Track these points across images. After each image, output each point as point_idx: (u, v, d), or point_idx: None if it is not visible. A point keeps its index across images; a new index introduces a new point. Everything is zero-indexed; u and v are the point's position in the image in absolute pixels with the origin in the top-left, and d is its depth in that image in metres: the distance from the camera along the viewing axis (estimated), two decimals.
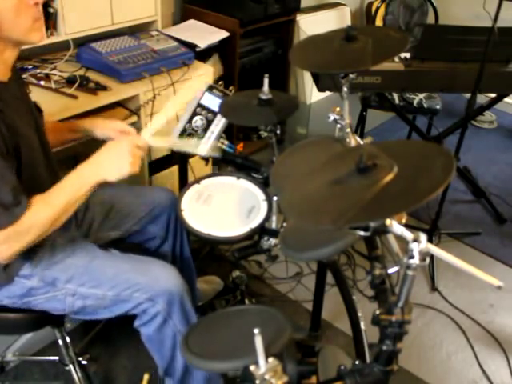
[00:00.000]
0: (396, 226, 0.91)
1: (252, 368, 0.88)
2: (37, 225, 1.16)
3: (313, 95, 3.53)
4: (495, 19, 1.92)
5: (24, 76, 1.95)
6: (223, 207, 1.49)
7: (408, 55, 2.25)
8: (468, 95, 2.11)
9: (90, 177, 1.23)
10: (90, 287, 1.34)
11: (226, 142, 1.78)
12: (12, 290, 1.32)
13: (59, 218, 1.20)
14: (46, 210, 1.17)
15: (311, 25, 3.32)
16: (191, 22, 2.66)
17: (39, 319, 1.40)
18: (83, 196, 1.23)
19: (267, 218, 1.44)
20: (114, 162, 1.25)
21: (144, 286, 1.34)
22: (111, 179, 1.24)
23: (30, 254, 1.31)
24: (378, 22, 3.09)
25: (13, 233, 1.13)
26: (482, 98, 2.51)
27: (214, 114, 1.74)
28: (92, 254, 1.38)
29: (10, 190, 1.11)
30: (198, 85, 1.59)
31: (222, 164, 2.09)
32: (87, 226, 1.59)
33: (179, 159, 1.87)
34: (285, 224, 1.37)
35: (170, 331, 1.40)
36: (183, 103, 1.45)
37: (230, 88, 1.86)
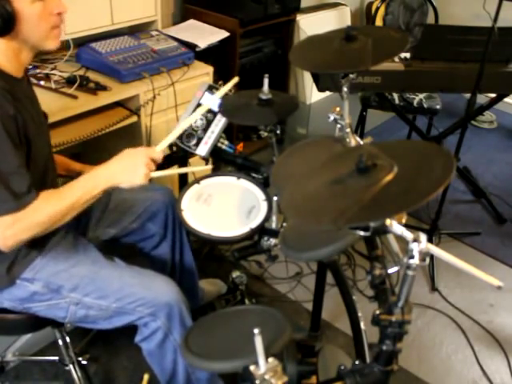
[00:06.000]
0: (396, 226, 0.91)
1: (252, 368, 0.88)
2: (44, 215, 1.17)
3: (313, 95, 3.53)
4: (495, 19, 1.92)
5: None
6: (223, 207, 1.49)
7: (408, 55, 2.25)
8: (468, 95, 2.11)
9: (103, 180, 1.26)
10: (95, 298, 1.34)
11: (226, 142, 1.78)
12: (14, 293, 1.32)
13: (67, 213, 1.22)
14: (56, 202, 1.19)
15: (311, 25, 3.32)
16: (191, 22, 2.66)
17: (39, 320, 1.39)
18: (93, 197, 1.25)
19: (267, 218, 1.44)
20: (129, 170, 1.28)
21: (148, 301, 1.35)
22: (123, 186, 1.28)
23: (33, 257, 1.32)
24: (378, 22, 3.09)
25: (19, 219, 1.14)
26: (482, 98, 2.51)
27: (214, 114, 1.74)
28: (98, 264, 1.39)
29: (24, 181, 1.15)
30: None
31: (221, 164, 2.09)
32: (85, 223, 1.59)
33: (179, 159, 1.87)
34: (285, 224, 1.37)
35: (170, 346, 1.41)
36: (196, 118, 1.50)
37: (230, 88, 1.87)
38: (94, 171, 1.27)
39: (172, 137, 1.43)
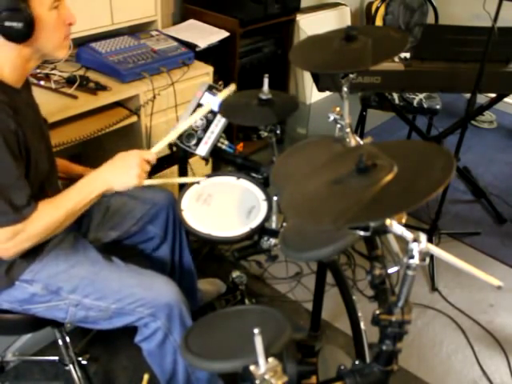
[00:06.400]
0: (396, 226, 0.91)
1: (252, 368, 0.88)
2: (42, 226, 1.21)
3: (313, 95, 3.53)
4: (495, 19, 1.92)
5: None
6: (223, 207, 1.49)
7: (408, 55, 2.25)
8: (468, 95, 2.11)
9: (98, 185, 1.28)
10: (94, 299, 1.34)
11: (226, 142, 1.78)
12: (13, 295, 1.33)
13: (64, 221, 1.25)
14: (53, 212, 1.23)
15: (311, 25, 3.31)
16: (191, 21, 2.66)
17: (39, 320, 1.39)
18: (89, 202, 1.29)
19: (267, 218, 1.44)
20: (122, 172, 1.30)
21: (148, 302, 1.35)
22: (118, 189, 1.31)
23: (32, 258, 1.32)
24: (378, 22, 3.09)
25: (19, 231, 1.17)
26: (482, 98, 2.51)
27: (214, 113, 1.74)
28: (97, 265, 1.39)
29: (24, 193, 1.17)
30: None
31: (222, 164, 2.09)
32: (86, 226, 1.59)
33: (179, 159, 1.87)
34: (285, 224, 1.37)
35: (170, 347, 1.41)
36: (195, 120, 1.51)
37: None
38: (88, 176, 1.30)
39: (168, 139, 1.44)
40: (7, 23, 1.09)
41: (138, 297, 1.35)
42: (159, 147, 1.42)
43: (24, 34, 1.13)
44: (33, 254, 1.32)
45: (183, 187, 1.57)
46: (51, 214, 1.22)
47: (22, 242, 1.20)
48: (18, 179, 1.17)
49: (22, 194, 1.17)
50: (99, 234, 1.60)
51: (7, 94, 1.17)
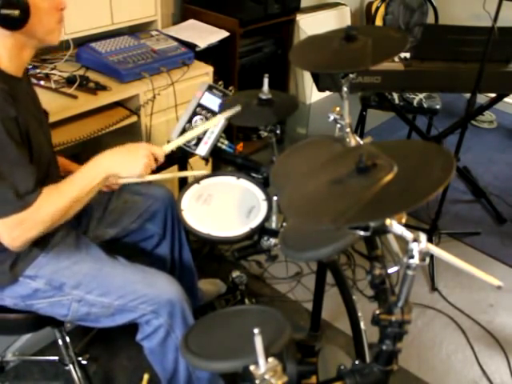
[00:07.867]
0: (396, 226, 0.91)
1: (252, 368, 0.88)
2: (48, 212, 1.19)
3: (313, 95, 3.53)
4: (495, 19, 1.92)
5: None
6: (223, 207, 1.49)
7: (408, 55, 2.25)
8: (468, 95, 2.11)
9: (102, 168, 1.26)
10: (97, 295, 1.34)
11: (226, 142, 1.78)
12: (16, 291, 1.33)
13: (70, 208, 1.23)
14: (58, 198, 1.20)
15: (311, 25, 3.32)
16: (191, 21, 2.66)
17: (39, 320, 1.40)
18: (95, 188, 1.26)
19: (267, 218, 1.44)
20: (128, 158, 1.29)
21: (150, 299, 1.35)
22: (122, 174, 1.28)
23: (35, 254, 1.32)
24: (378, 22, 3.09)
25: (25, 219, 1.16)
26: (482, 98, 2.51)
27: (214, 114, 1.74)
28: (100, 261, 1.39)
29: (29, 179, 1.16)
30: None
31: (221, 164, 2.09)
32: (86, 224, 1.59)
33: (179, 159, 1.87)
34: (285, 224, 1.37)
35: (172, 345, 1.41)
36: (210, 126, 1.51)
37: (230, 88, 1.87)
38: (93, 161, 1.27)
39: (182, 140, 1.44)
40: (3, 11, 1.10)
41: (141, 293, 1.35)
42: (172, 146, 1.41)
43: (20, 21, 1.13)
44: (36, 250, 1.32)
45: (183, 187, 1.57)
46: (56, 200, 1.20)
47: (29, 230, 1.18)
48: (22, 166, 1.16)
49: (26, 181, 1.15)
50: (98, 231, 1.61)
51: (7, 83, 1.17)
